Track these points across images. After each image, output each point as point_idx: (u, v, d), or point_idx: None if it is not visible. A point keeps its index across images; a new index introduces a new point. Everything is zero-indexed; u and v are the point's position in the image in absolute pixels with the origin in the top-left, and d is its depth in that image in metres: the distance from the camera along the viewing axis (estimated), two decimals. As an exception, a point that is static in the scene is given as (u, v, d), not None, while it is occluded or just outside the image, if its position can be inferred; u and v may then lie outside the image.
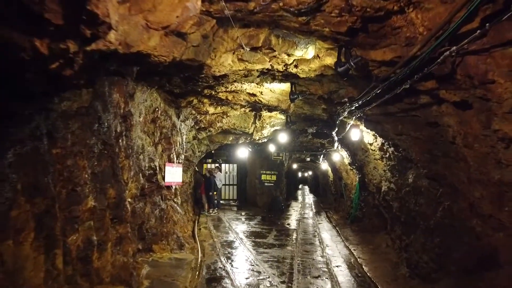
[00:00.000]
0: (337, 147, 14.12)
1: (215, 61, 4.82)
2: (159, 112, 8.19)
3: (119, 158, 6.01)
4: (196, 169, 16.51)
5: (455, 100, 4.23)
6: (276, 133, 12.77)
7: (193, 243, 9.06)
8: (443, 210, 5.45)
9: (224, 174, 22.25)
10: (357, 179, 14.41)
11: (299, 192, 39.66)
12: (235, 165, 22.30)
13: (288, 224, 13.85)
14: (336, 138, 12.57)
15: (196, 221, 13.38)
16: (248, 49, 4.73)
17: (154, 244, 7.48)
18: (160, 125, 8.34)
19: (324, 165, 21.53)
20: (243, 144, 18.16)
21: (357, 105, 6.41)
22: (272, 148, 14.80)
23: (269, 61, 5.25)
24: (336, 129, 10.06)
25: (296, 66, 5.63)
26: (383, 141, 7.71)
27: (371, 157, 9.09)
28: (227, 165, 22.28)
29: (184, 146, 10.20)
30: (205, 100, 8.74)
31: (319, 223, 14.38)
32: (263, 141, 14.02)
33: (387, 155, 7.69)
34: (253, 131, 11.98)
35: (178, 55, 3.75)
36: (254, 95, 8.16)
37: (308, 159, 22.58)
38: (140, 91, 7.06)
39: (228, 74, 5.82)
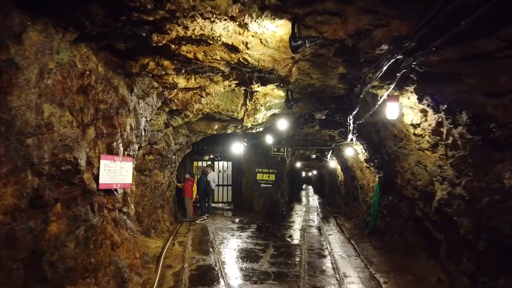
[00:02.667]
0: (351, 139, 11.27)
1: None
2: (93, 78, 5.32)
3: (-35, 139, 3.17)
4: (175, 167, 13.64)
5: None
6: (274, 120, 9.88)
7: (148, 274, 6.21)
8: None
9: (217, 173, 19.45)
10: (377, 180, 11.52)
11: (303, 192, 36.79)
12: (229, 163, 19.47)
13: (290, 236, 10.96)
14: (351, 127, 9.71)
15: (174, 233, 10.56)
16: None
17: (69, 285, 4.63)
18: (96, 98, 5.48)
19: (332, 163, 18.64)
20: (237, 137, 15.39)
21: (409, 44, 3.53)
22: (269, 140, 11.90)
23: None
24: (356, 109, 7.18)
25: None
26: (440, 118, 4.82)
27: (412, 146, 6.20)
28: (220, 162, 19.48)
29: (143, 134, 7.33)
30: (166, 63, 5.87)
31: (329, 234, 11.48)
32: (257, 130, 11.11)
33: (449, 141, 4.80)
34: (244, 115, 9.10)
35: None
36: (235, 49, 5.27)
37: (314, 156, 19.67)
38: (40, 33, 4.19)
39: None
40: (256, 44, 5.20)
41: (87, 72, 5.20)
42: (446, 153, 4.92)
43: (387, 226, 10.12)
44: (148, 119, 7.69)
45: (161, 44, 4.95)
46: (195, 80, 7.14)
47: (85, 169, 5.06)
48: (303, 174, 43.43)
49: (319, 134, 14.25)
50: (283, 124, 9.29)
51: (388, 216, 10.23)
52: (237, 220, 13.63)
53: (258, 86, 7.23)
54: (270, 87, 7.41)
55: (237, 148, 16.90)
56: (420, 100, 4.92)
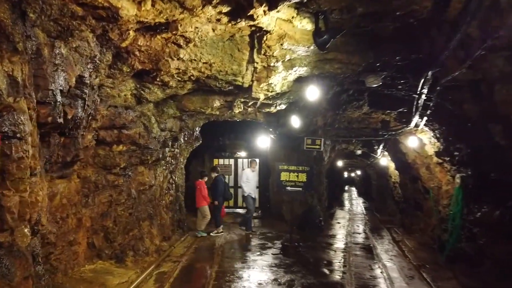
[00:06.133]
0: (416, 124, 7.86)
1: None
2: None
3: None
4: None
5: None
6: (300, 89, 6.49)
7: None
8: None
9: (242, 173, 16.32)
10: (458, 181, 7.87)
11: (345, 195, 32.84)
12: (256, 161, 16.25)
13: (328, 263, 7.52)
14: (421, 101, 6.31)
15: (164, 255, 7.57)
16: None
17: None
18: None
19: (383, 160, 14.92)
20: (262, 127, 12.29)
21: None
22: (296, 122, 8.33)
23: None
24: (453, 43, 3.72)
25: None
26: None
27: None
28: (245, 160, 16.33)
29: (63, 103, 4.27)
30: None
31: (387, 260, 7.95)
32: (277, 107, 7.64)
33: None
34: (252, 80, 5.85)
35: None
36: None
37: (359, 151, 16.03)
38: None
39: None
40: None
41: None
42: None
43: (482, 253, 6.48)
44: (88, 82, 4.68)
45: None
46: (153, 5, 4.04)
47: None
48: (345, 174, 39.52)
49: (368, 120, 10.75)
50: (313, 93, 5.92)
51: (483, 237, 6.59)
52: (259, 233, 10.42)
53: (265, 11, 3.97)
54: (286, 13, 4.13)
55: (264, 141, 13.74)
56: None
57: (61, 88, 4.03)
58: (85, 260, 6.23)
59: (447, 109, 6.30)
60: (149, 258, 7.29)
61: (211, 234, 9.87)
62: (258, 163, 16.04)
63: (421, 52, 4.98)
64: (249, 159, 11.70)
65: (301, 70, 5.66)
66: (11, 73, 3.28)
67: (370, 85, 6.24)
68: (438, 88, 5.24)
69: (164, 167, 8.98)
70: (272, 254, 7.92)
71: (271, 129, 11.64)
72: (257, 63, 5.37)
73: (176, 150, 9.45)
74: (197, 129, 10.30)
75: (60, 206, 5.57)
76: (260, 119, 10.14)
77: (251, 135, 14.75)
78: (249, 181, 10.73)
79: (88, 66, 4.61)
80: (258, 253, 7.98)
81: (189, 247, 8.43)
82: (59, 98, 3.98)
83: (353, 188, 43.27)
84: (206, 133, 12.52)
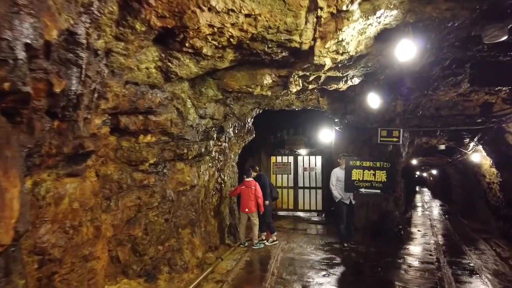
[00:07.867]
0: None
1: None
2: None
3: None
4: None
5: None
6: (381, 47, 4.65)
7: None
8: None
9: (303, 171, 14.60)
10: None
11: (418, 197, 29.48)
12: (318, 158, 14.50)
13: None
14: None
15: (208, 271, 6.20)
16: None
17: None
18: None
19: (475, 156, 12.29)
20: (325, 118, 10.60)
21: None
22: (375, 101, 6.20)
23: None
24: None
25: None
26: None
27: None
28: (306, 157, 14.62)
29: (15, 58, 2.95)
30: None
31: (503, 290, 5.81)
32: (347, 79, 5.70)
33: None
34: (313, 39, 4.16)
35: None
36: None
37: (443, 146, 13.49)
38: None
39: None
40: None
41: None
42: None
43: None
44: (84, 42, 3.34)
45: None
46: None
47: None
48: (416, 174, 35.92)
49: (462, 104, 8.55)
50: (407, 49, 4.07)
51: None
52: (323, 243, 8.68)
53: None
54: None
55: (327, 135, 12.04)
56: None
57: (28, 41, 2.70)
58: (106, 279, 5.00)
59: None
60: (187, 275, 5.94)
61: (266, 243, 8.36)
62: (322, 161, 14.31)
63: None
64: (340, 155, 9.06)
65: (388, 17, 3.84)
66: None
67: (489, 40, 4.25)
68: None
69: (210, 164, 7.62)
70: (341, 274, 6.16)
71: (336, 119, 9.83)
72: (321, 9, 3.68)
73: (224, 144, 8.05)
74: (249, 120, 8.82)
75: (69, 212, 4.34)
76: (323, 106, 8.41)
77: (312, 129, 13.20)
78: (340, 183, 8.24)
79: (82, 19, 3.27)
80: (324, 272, 6.26)
81: (239, 260, 6.97)
82: (21, 54, 2.65)
83: (425, 189, 39.45)
84: (262, 127, 11.05)
